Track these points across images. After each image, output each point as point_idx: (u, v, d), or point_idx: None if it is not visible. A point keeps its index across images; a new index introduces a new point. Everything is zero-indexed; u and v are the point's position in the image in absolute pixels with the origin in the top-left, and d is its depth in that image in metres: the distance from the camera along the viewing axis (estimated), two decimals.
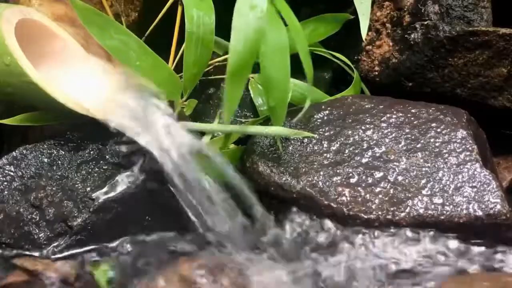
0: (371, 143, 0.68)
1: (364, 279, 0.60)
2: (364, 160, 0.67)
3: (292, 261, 0.64)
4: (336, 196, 0.64)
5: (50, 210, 0.64)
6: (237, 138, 0.74)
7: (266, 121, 0.73)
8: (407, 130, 0.69)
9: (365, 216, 0.63)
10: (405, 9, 0.80)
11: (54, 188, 0.65)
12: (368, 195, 0.64)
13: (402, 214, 0.62)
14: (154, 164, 0.63)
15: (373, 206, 0.63)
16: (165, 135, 0.63)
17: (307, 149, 0.69)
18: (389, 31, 0.81)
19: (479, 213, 0.61)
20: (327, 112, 0.72)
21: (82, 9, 0.66)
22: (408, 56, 0.78)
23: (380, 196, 0.64)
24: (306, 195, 0.65)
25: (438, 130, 0.68)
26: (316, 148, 0.69)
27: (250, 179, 0.68)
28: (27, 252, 0.63)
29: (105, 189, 0.66)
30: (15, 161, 0.66)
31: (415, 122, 0.69)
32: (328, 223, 0.64)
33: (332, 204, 0.64)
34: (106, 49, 0.67)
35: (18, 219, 0.64)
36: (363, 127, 0.70)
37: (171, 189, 0.64)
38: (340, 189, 0.65)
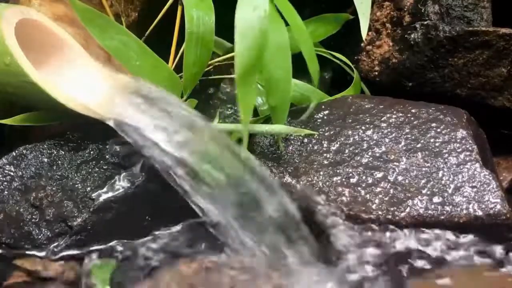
0: (371, 143, 0.68)
1: None
2: (364, 160, 0.67)
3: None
4: (336, 196, 0.64)
5: (50, 210, 0.64)
6: (237, 138, 0.74)
7: (266, 121, 0.73)
8: (407, 130, 0.69)
9: (365, 216, 0.63)
10: (405, 9, 0.80)
11: (54, 188, 0.65)
12: (368, 195, 0.64)
13: (402, 214, 0.62)
14: (154, 163, 0.63)
15: (373, 206, 0.63)
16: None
17: (307, 149, 0.69)
18: (389, 31, 0.81)
19: (479, 213, 0.61)
20: (327, 112, 0.72)
21: (81, 9, 0.66)
22: (408, 56, 0.78)
23: (380, 196, 0.64)
24: (306, 195, 0.65)
25: (438, 130, 0.68)
26: (316, 148, 0.69)
27: None
28: (27, 252, 0.63)
29: (105, 189, 0.66)
30: (15, 161, 0.66)
31: (415, 122, 0.69)
32: None
33: (332, 204, 0.64)
34: (106, 49, 0.67)
35: (18, 219, 0.64)
36: (363, 127, 0.70)
37: (175, 188, 0.63)
38: (340, 189, 0.65)
